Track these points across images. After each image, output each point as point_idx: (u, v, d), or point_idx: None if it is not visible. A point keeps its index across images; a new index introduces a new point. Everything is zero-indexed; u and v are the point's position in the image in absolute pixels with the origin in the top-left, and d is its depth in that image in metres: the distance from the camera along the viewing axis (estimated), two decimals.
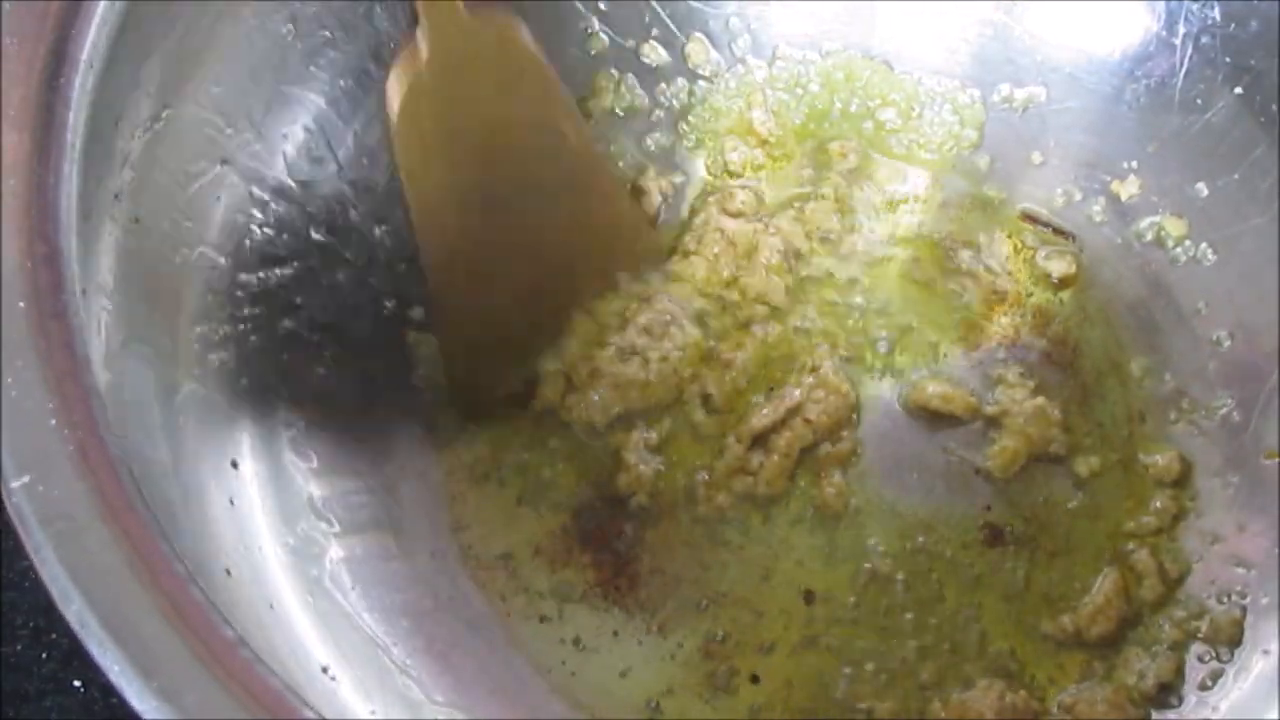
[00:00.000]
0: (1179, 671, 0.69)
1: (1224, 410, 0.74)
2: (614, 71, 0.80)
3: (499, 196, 0.71)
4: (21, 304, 0.49)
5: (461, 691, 0.67)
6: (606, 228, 0.76)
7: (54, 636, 0.70)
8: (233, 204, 0.68)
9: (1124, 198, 0.78)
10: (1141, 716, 0.68)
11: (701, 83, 0.81)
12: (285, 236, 0.72)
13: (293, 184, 0.72)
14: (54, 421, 0.47)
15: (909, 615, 0.71)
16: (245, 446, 0.68)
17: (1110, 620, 0.70)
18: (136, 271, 0.61)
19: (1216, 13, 0.74)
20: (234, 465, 0.67)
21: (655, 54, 0.80)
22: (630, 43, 0.80)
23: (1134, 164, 0.78)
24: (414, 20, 0.66)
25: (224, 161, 0.68)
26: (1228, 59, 0.75)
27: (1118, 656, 0.70)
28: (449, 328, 0.74)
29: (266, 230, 0.71)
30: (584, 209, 0.74)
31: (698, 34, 0.80)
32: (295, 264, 0.72)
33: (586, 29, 0.79)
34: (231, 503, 0.66)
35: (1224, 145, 0.75)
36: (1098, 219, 0.79)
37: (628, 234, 0.77)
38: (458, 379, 0.74)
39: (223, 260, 0.68)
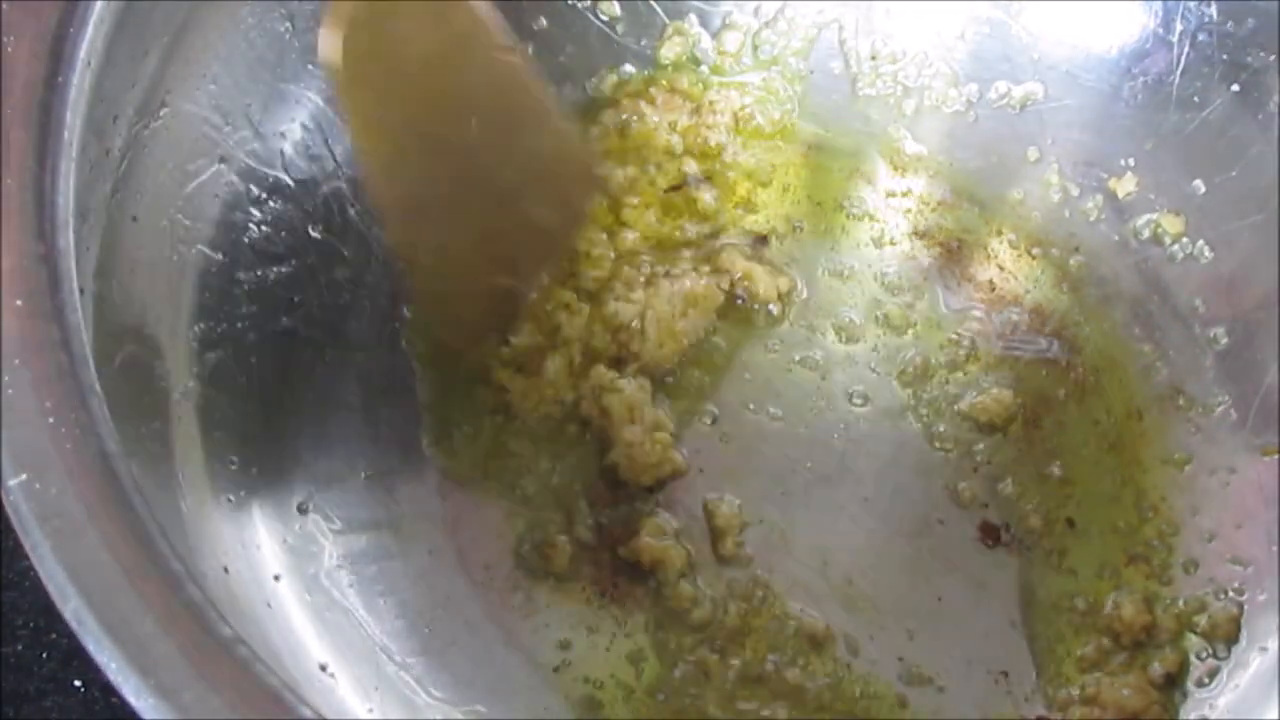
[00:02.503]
0: (1183, 665, 0.69)
1: (1221, 407, 0.74)
2: None
3: (448, 139, 0.68)
4: (19, 302, 0.49)
5: (459, 689, 0.67)
6: (555, 161, 0.74)
7: (54, 636, 0.70)
8: (230, 202, 0.68)
9: (1121, 195, 0.78)
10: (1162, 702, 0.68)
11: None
12: (283, 234, 0.72)
13: (290, 182, 0.72)
14: (51, 420, 0.47)
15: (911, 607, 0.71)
16: (244, 445, 0.68)
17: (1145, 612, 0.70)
18: (134, 270, 0.61)
19: (1213, 10, 0.74)
20: (233, 464, 0.67)
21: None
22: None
23: (1131, 161, 0.78)
24: None
25: (222, 159, 0.68)
26: (1225, 56, 0.75)
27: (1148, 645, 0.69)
28: (420, 280, 0.72)
29: (264, 228, 0.71)
30: (533, 144, 0.72)
31: (688, 22, 0.81)
32: (293, 262, 0.72)
33: None
34: (230, 501, 0.66)
35: (1221, 142, 0.75)
36: (1095, 216, 0.79)
37: (576, 168, 0.76)
38: (439, 335, 0.73)
39: (220, 258, 0.68)
